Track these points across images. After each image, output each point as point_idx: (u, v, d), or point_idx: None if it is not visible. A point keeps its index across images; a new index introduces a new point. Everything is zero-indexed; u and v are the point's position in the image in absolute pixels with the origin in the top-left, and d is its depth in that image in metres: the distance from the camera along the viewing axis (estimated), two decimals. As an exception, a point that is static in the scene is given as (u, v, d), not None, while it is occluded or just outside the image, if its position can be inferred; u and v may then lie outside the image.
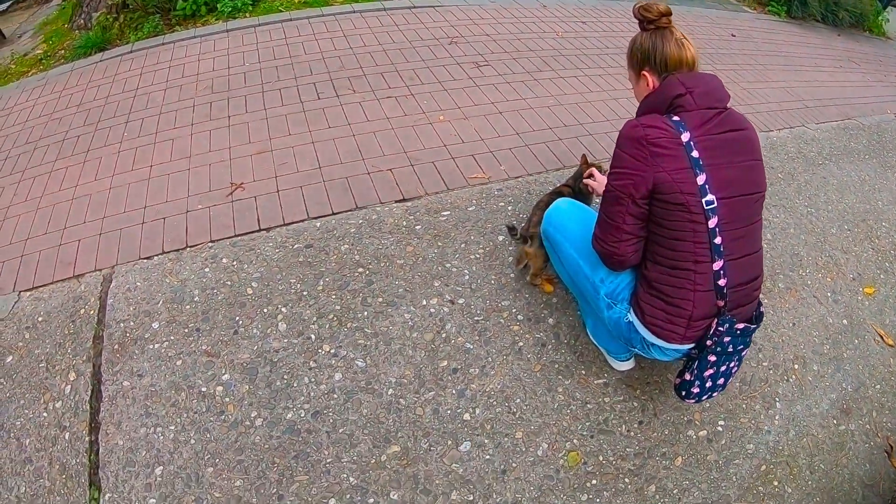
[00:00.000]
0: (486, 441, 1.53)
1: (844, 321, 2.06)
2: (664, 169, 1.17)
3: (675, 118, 1.21)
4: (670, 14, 1.29)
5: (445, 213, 2.14)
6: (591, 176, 1.77)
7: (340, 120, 2.65)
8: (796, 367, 1.87)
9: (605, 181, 1.70)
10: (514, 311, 1.83)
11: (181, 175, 2.36)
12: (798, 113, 3.44)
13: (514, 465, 1.51)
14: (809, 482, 1.64)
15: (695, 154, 1.17)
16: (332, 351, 1.69)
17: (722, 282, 1.21)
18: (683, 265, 1.21)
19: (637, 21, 1.33)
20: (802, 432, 1.72)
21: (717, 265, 1.20)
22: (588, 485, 1.50)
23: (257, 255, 1.96)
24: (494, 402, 1.61)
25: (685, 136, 1.18)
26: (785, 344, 1.92)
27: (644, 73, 1.32)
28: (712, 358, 1.29)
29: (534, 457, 1.52)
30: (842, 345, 1.98)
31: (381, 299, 1.83)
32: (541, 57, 3.44)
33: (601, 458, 1.55)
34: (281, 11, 3.81)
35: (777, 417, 1.73)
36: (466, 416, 1.58)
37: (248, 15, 3.79)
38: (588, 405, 1.65)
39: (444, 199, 2.21)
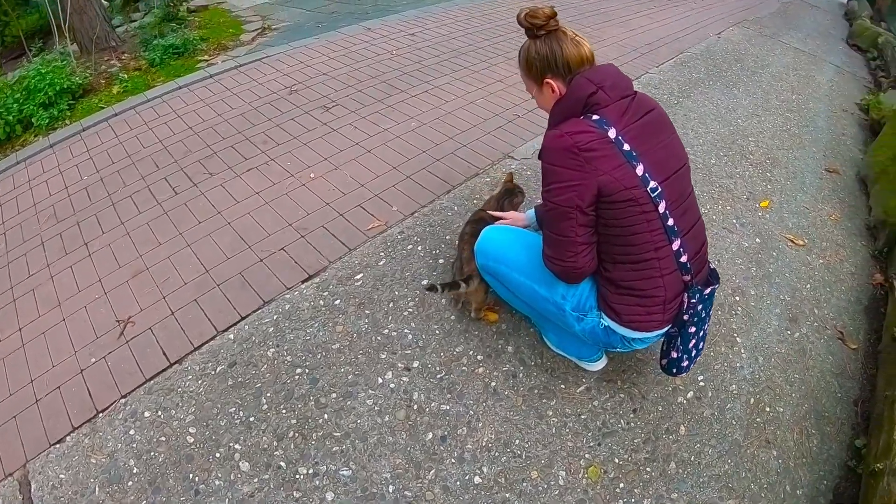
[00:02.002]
0: (507, 495, 1.51)
1: (757, 240, 2.39)
2: (604, 171, 1.23)
3: (595, 117, 1.27)
4: (556, 15, 1.35)
5: (359, 277, 2.12)
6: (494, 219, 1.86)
7: (208, 210, 2.52)
8: (737, 298, 2.13)
9: (522, 217, 1.80)
10: (471, 353, 1.84)
11: (57, 329, 2.07)
12: (638, 62, 3.97)
13: None
14: (793, 395, 1.86)
15: (626, 147, 1.25)
16: (311, 471, 1.56)
17: (683, 258, 1.33)
18: (645, 256, 1.30)
19: (525, 30, 1.37)
20: (768, 354, 1.96)
21: (675, 245, 1.31)
22: (617, 490, 1.55)
23: (181, 394, 1.76)
24: (497, 453, 1.60)
25: (612, 133, 1.25)
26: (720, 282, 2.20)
27: (547, 80, 1.36)
28: (692, 329, 1.42)
29: (558, 488, 1.54)
30: (764, 262, 2.30)
31: (334, 395, 1.74)
32: (385, 81, 3.58)
33: (617, 461, 1.62)
34: (102, 108, 3.62)
35: (743, 351, 1.94)
36: (477, 479, 1.55)
37: (68, 122, 3.56)
38: (582, 416, 1.72)
39: (351, 261, 2.18)
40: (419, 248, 2.24)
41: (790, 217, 2.57)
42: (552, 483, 1.56)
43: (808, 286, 2.24)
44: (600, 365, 1.79)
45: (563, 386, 1.78)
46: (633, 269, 1.33)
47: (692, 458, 1.66)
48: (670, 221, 1.29)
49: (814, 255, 2.39)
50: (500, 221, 1.82)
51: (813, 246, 2.44)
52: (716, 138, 3.05)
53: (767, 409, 1.81)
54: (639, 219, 1.26)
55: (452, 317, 1.96)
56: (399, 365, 1.80)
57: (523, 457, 1.60)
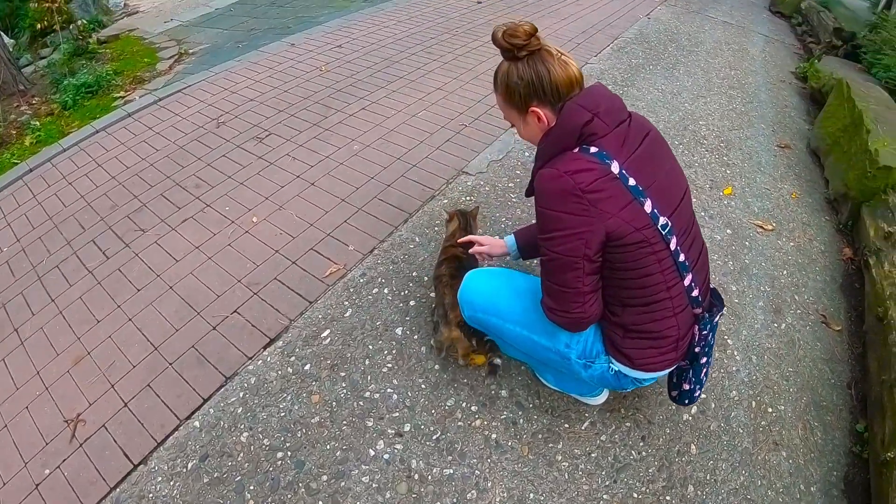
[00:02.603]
0: None
1: (728, 231, 2.42)
2: (612, 213, 1.12)
3: (593, 149, 1.15)
4: (537, 31, 1.20)
5: (326, 335, 1.96)
6: (469, 244, 1.75)
7: (145, 275, 2.29)
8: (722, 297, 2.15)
9: (500, 244, 1.69)
10: (464, 405, 1.74)
11: (0, 438, 1.81)
12: (577, 53, 3.96)
13: None
14: (790, 389, 1.87)
15: (632, 182, 1.14)
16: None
17: (695, 293, 1.27)
18: (658, 297, 1.22)
19: (503, 51, 1.22)
20: (760, 352, 1.96)
21: (686, 280, 1.24)
22: None
23: (153, 501, 1.57)
24: None
25: (615, 167, 1.14)
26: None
27: (533, 109, 1.23)
28: (703, 360, 1.37)
29: None
30: (738, 254, 2.32)
31: (325, 477, 1.58)
32: (318, 102, 3.41)
33: (636, 495, 1.56)
34: (16, 164, 3.30)
35: (736, 354, 1.94)
36: None
37: (-23, 187, 3.17)
38: (592, 454, 1.65)
39: (314, 316, 2.02)
40: (385, 290, 2.11)
41: (754, 201, 2.62)
42: None
43: (785, 272, 2.28)
44: (602, 398, 1.73)
45: (566, 425, 1.71)
46: (645, 312, 1.25)
47: (708, 477, 1.63)
48: (681, 257, 1.22)
49: (784, 239, 2.44)
50: (477, 249, 1.72)
51: (781, 229, 2.50)
52: (668, 126, 3.08)
53: (769, 409, 1.82)
54: (650, 259, 1.18)
55: (436, 366, 1.84)
56: (389, 431, 1.67)
57: (539, 510, 1.53)
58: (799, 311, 2.14)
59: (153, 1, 6.49)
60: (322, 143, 3.00)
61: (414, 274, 2.17)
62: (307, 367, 1.85)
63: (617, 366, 1.35)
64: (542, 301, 1.29)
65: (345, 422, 1.70)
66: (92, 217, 2.67)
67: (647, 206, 1.16)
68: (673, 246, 1.20)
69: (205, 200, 2.65)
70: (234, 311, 2.08)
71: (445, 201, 2.54)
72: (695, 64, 3.91)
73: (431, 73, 3.71)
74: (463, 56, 3.97)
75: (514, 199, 2.57)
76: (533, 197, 1.24)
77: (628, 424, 1.73)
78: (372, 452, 1.62)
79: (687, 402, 1.50)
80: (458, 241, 1.83)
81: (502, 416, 1.72)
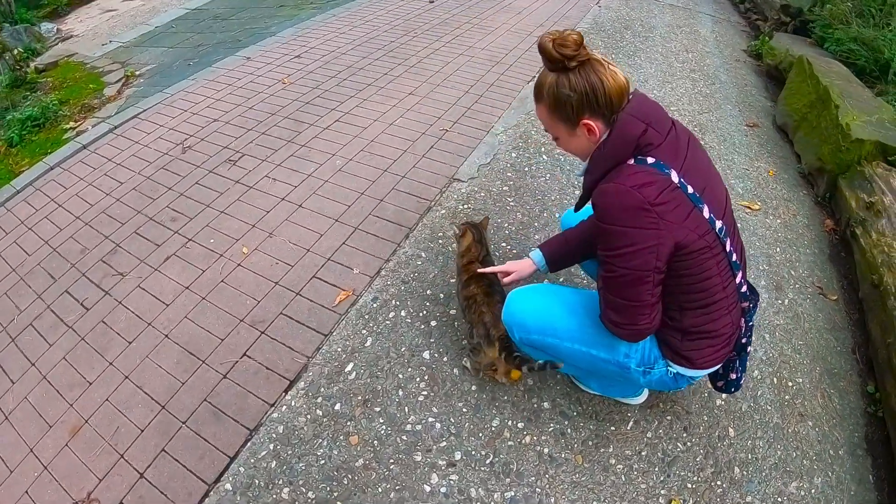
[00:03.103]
0: None
1: (721, 213, 2.56)
2: (678, 224, 1.15)
3: (650, 160, 1.17)
4: (584, 40, 1.19)
5: (350, 369, 1.90)
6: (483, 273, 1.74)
7: (133, 325, 2.13)
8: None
9: (528, 265, 1.66)
10: (510, 423, 1.74)
11: None
12: (530, 54, 4.02)
13: None
14: (804, 362, 2.00)
15: (690, 190, 1.17)
16: None
17: (744, 288, 1.33)
18: (715, 298, 1.26)
19: (551, 62, 1.20)
20: (771, 329, 2.08)
21: (738, 278, 1.30)
22: None
23: None
24: None
25: (674, 177, 1.16)
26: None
27: (584, 122, 1.21)
28: (749, 349, 1.44)
29: None
30: (736, 235, 2.47)
31: (381, 526, 1.56)
32: (287, 117, 3.30)
33: (690, 485, 1.63)
34: None
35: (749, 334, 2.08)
36: None
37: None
38: (643, 452, 1.70)
39: (333, 350, 1.95)
40: (402, 313, 2.07)
41: (737, 182, 2.77)
42: None
43: (778, 250, 2.43)
44: (644, 397, 1.78)
45: (612, 428, 1.75)
46: (704, 314, 1.29)
47: (749, 457, 1.72)
48: (734, 257, 1.28)
49: (771, 217, 2.60)
50: (507, 280, 1.68)
51: (767, 207, 2.65)
52: (641, 115, 3.19)
53: (790, 383, 1.94)
54: (710, 263, 1.22)
55: (473, 387, 1.83)
56: (440, 462, 1.65)
57: (607, 518, 1.56)
58: (797, 286, 2.28)
59: (87, 23, 6.02)
60: (301, 160, 2.89)
61: (428, 292, 2.15)
62: (337, 406, 1.79)
63: (676, 368, 1.40)
64: (605, 316, 1.31)
65: (391, 460, 1.66)
66: (61, 264, 2.46)
67: (706, 212, 1.19)
68: (728, 247, 1.25)
69: (185, 234, 2.49)
70: (244, 355, 1.98)
71: (443, 212, 2.52)
72: (653, 50, 4.07)
73: (399, 77, 3.66)
74: (427, 58, 3.94)
75: (511, 204, 2.59)
76: (594, 212, 1.23)
77: (669, 418, 1.79)
78: (427, 488, 1.59)
79: (733, 389, 1.56)
80: (480, 271, 1.77)
81: (550, 429, 1.74)
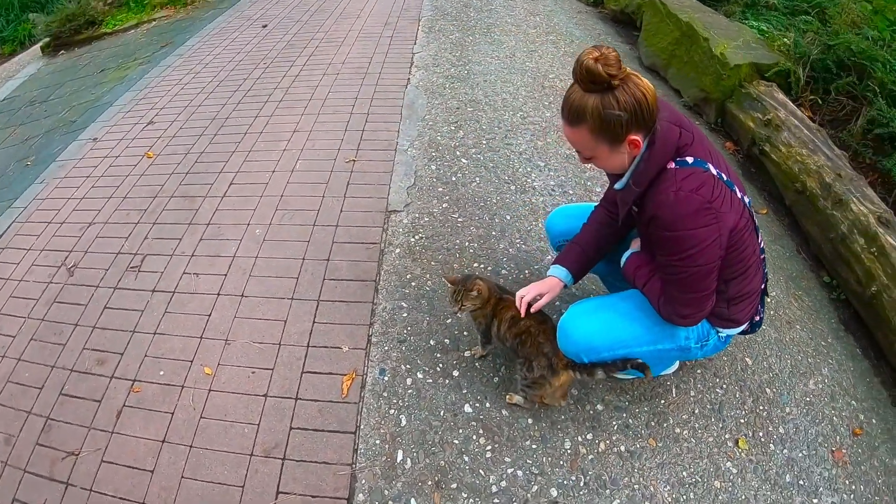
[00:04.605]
0: None
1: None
2: (728, 212, 1.29)
3: (689, 159, 1.28)
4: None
5: (400, 456, 1.78)
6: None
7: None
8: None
9: (555, 283, 1.71)
10: (580, 439, 1.81)
11: None
12: (395, 47, 4.05)
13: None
14: (770, 275, 2.33)
15: (725, 178, 1.32)
16: None
17: (762, 244, 1.51)
18: (750, 263, 1.43)
19: (595, 83, 1.21)
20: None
21: (759, 238, 1.49)
22: (762, 438, 1.81)
23: None
24: (680, 494, 1.68)
25: (713, 170, 1.30)
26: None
27: (632, 138, 1.27)
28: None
29: (734, 475, 1.71)
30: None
31: None
32: (175, 195, 2.95)
33: (742, 421, 1.87)
34: None
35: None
36: None
37: None
38: (695, 411, 1.88)
39: (371, 445, 1.83)
40: (419, 375, 2.01)
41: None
42: (730, 474, 1.73)
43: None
44: (676, 366, 1.96)
45: (662, 402, 1.91)
46: (745, 279, 1.47)
47: (770, 376, 2.00)
48: (756, 219, 1.46)
49: (684, 153, 2.94)
50: (539, 304, 1.71)
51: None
52: (528, 92, 3.38)
53: (768, 299, 2.25)
54: (746, 236, 1.38)
55: (529, 420, 1.86)
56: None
57: (698, 479, 1.72)
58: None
59: None
60: (215, 242, 2.61)
61: (432, 343, 2.11)
62: (413, 502, 1.70)
63: (725, 332, 1.58)
64: (672, 313, 1.44)
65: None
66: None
67: (738, 193, 1.35)
68: (755, 217, 1.44)
69: (123, 377, 2.12)
70: (278, 494, 1.76)
71: (398, 251, 2.47)
72: (503, 21, 4.29)
73: (274, 116, 3.43)
74: (292, 87, 3.73)
75: (459, 220, 2.62)
76: (654, 222, 1.32)
77: (699, 371, 2.00)
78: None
79: (758, 328, 1.78)
80: (529, 311, 1.73)
81: (614, 427, 1.84)
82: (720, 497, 1.68)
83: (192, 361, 2.14)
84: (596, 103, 1.23)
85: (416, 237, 2.54)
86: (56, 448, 1.96)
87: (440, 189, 2.79)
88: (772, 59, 2.96)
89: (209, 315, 2.30)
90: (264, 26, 4.83)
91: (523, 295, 1.71)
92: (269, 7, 5.39)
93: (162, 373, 2.12)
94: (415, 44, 4.05)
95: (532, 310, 1.70)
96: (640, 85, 1.22)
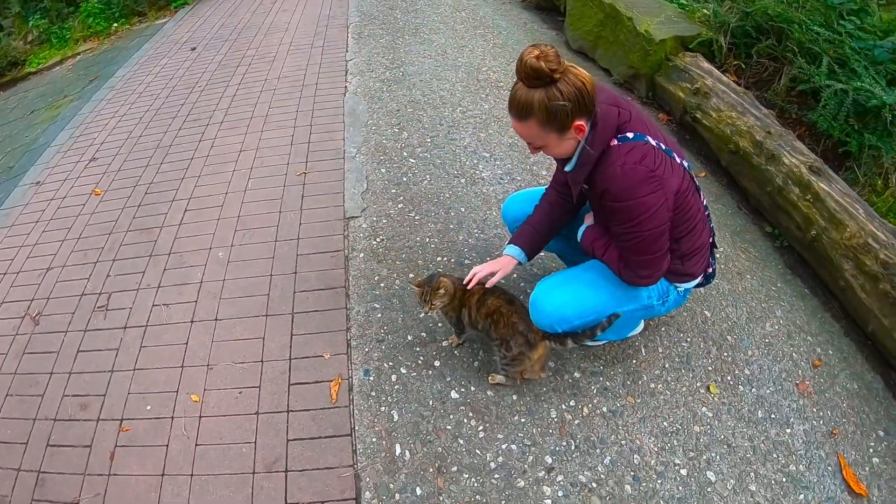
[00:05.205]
0: (705, 456, 1.77)
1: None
2: (670, 177, 1.44)
3: (630, 134, 1.42)
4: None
5: (398, 450, 1.87)
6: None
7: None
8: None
9: (509, 261, 1.84)
10: (564, 406, 1.94)
11: None
12: (329, 56, 4.13)
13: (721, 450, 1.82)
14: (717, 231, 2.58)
15: (663, 147, 1.46)
16: None
17: (704, 200, 1.67)
18: (696, 219, 1.59)
19: (539, 78, 1.33)
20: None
21: (702, 195, 1.64)
22: (730, 381, 1.99)
23: None
24: (671, 443, 1.80)
25: (652, 141, 1.44)
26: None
27: (577, 124, 1.40)
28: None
29: (710, 418, 1.86)
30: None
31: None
32: (131, 230, 2.92)
33: (710, 369, 2.04)
34: None
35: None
36: (684, 472, 1.73)
37: None
38: (666, 366, 2.05)
39: (369, 443, 1.91)
40: (402, 370, 2.10)
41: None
42: (707, 417, 1.90)
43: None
44: (641, 327, 2.13)
45: (634, 361, 2.07)
46: (693, 235, 1.62)
47: (729, 325, 2.20)
48: (697, 181, 1.62)
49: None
50: (493, 281, 1.84)
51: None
52: (464, 87, 3.52)
53: (718, 255, 2.45)
54: (689, 196, 1.54)
55: (514, 397, 1.99)
56: (541, 475, 1.78)
57: (679, 427, 1.89)
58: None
59: None
60: (180, 270, 2.62)
61: (410, 338, 2.20)
62: (418, 490, 1.79)
63: (683, 286, 1.75)
64: (633, 276, 1.58)
65: (502, 500, 1.75)
66: None
67: (677, 159, 1.51)
68: (694, 177, 1.60)
69: (111, 417, 2.11)
70: None
71: (362, 255, 2.55)
72: (430, 20, 4.43)
73: (218, 139, 3.43)
74: (233, 107, 3.74)
75: (416, 218, 2.72)
76: (605, 196, 1.47)
77: (664, 329, 2.17)
78: (549, 502, 1.73)
79: (712, 280, 1.95)
80: (484, 285, 1.88)
81: (594, 391, 1.99)
82: (701, 440, 1.84)
83: (177, 391, 2.16)
84: (541, 97, 1.35)
85: (378, 240, 2.63)
86: (53, 501, 1.95)
87: (393, 190, 2.89)
88: (694, 31, 3.19)
89: (186, 343, 2.31)
90: (193, 49, 4.79)
91: (477, 271, 1.84)
92: (195, 29, 5.35)
93: (149, 407, 2.13)
94: (347, 51, 4.14)
95: (487, 285, 1.85)
96: (578, 75, 1.36)
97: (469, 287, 1.88)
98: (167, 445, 2.01)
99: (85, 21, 6.02)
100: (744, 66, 3.11)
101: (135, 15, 6.04)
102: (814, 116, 2.67)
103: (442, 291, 1.89)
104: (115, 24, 5.95)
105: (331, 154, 3.18)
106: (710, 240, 1.77)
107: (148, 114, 4.00)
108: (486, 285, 1.86)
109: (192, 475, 1.93)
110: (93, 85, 4.74)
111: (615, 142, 1.44)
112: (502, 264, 1.86)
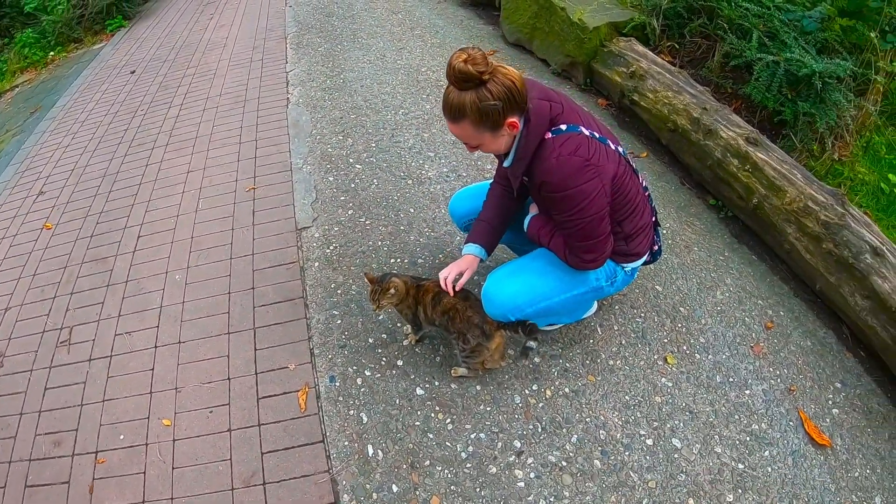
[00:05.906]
0: (648, 429, 1.87)
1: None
2: (606, 164, 1.51)
3: (563, 126, 1.49)
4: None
5: (371, 451, 1.93)
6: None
7: None
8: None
9: (471, 259, 1.89)
10: (527, 392, 2.02)
11: None
12: (269, 69, 4.15)
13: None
14: (661, 209, 2.65)
15: (597, 135, 1.54)
16: None
17: (643, 181, 1.77)
18: (636, 201, 1.68)
19: (468, 80, 1.38)
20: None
21: (640, 176, 1.74)
22: (687, 350, 2.08)
23: None
24: (632, 417, 1.89)
25: (585, 131, 1.52)
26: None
27: (510, 121, 1.47)
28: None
29: (671, 387, 1.96)
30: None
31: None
32: (85, 261, 2.90)
33: (666, 341, 2.14)
34: None
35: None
36: (649, 441, 1.83)
37: None
38: (623, 341, 2.15)
39: (341, 447, 1.96)
40: (367, 373, 2.15)
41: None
42: (667, 388, 2.01)
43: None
44: (595, 307, 2.23)
45: (591, 341, 2.17)
46: (635, 216, 1.71)
47: (681, 297, 2.32)
48: (633, 163, 1.71)
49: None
50: (462, 282, 1.89)
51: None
52: (405, 89, 3.61)
53: (663, 231, 2.58)
54: (627, 179, 1.63)
55: (478, 387, 2.06)
56: (511, 459, 1.86)
57: (640, 399, 1.99)
58: (621, 157, 2.96)
59: None
60: (139, 297, 2.63)
61: (371, 341, 2.26)
62: (394, 488, 1.85)
63: (630, 266, 1.84)
64: (578, 261, 1.67)
65: (477, 489, 1.82)
66: None
67: (611, 145, 1.60)
68: (630, 160, 1.69)
69: (84, 451, 2.11)
70: None
71: (317, 264, 2.60)
72: (367, 25, 4.50)
73: (164, 161, 3.43)
74: (176, 129, 3.74)
75: (367, 223, 2.79)
76: (543, 188, 1.55)
77: (617, 307, 2.28)
78: (522, 485, 1.81)
79: (659, 257, 2.07)
80: (454, 289, 1.89)
81: (554, 374, 2.08)
82: (664, 409, 1.95)
83: (148, 418, 2.17)
84: (472, 98, 1.42)
85: (331, 247, 2.68)
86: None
87: (342, 198, 2.95)
88: (626, 16, 3.32)
89: (152, 369, 2.33)
90: (132, 72, 4.75)
91: (446, 275, 1.87)
92: (132, 52, 5.29)
93: (122, 437, 2.14)
94: (286, 62, 4.18)
95: (457, 287, 1.88)
96: (507, 74, 1.43)
97: (452, 294, 1.90)
98: (144, 472, 2.03)
99: (20, 52, 5.89)
100: (678, 47, 3.25)
101: (71, 42, 5.91)
102: (748, 89, 2.78)
103: (392, 292, 1.95)
104: (52, 53, 5.83)
105: (278, 167, 3.22)
106: (653, 219, 1.87)
107: (92, 142, 3.95)
108: (457, 287, 1.89)
109: (172, 498, 1.95)
110: (34, 117, 4.65)
111: (549, 135, 1.52)
112: (467, 263, 1.91)
